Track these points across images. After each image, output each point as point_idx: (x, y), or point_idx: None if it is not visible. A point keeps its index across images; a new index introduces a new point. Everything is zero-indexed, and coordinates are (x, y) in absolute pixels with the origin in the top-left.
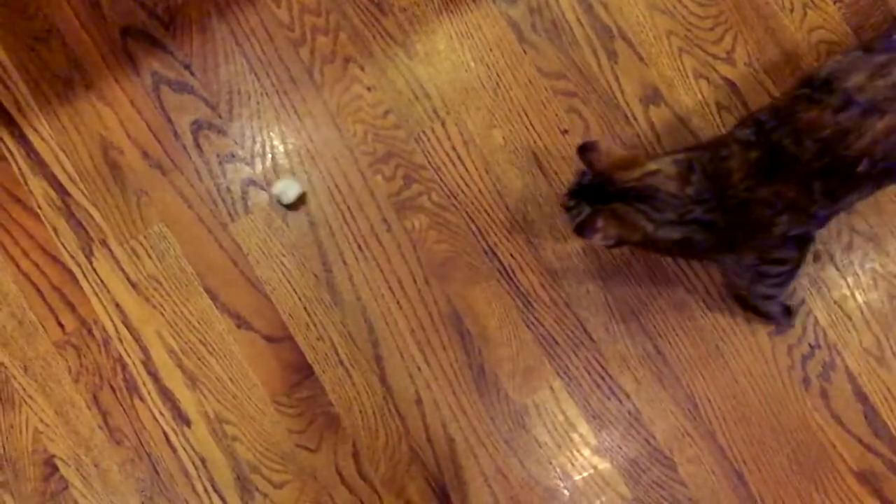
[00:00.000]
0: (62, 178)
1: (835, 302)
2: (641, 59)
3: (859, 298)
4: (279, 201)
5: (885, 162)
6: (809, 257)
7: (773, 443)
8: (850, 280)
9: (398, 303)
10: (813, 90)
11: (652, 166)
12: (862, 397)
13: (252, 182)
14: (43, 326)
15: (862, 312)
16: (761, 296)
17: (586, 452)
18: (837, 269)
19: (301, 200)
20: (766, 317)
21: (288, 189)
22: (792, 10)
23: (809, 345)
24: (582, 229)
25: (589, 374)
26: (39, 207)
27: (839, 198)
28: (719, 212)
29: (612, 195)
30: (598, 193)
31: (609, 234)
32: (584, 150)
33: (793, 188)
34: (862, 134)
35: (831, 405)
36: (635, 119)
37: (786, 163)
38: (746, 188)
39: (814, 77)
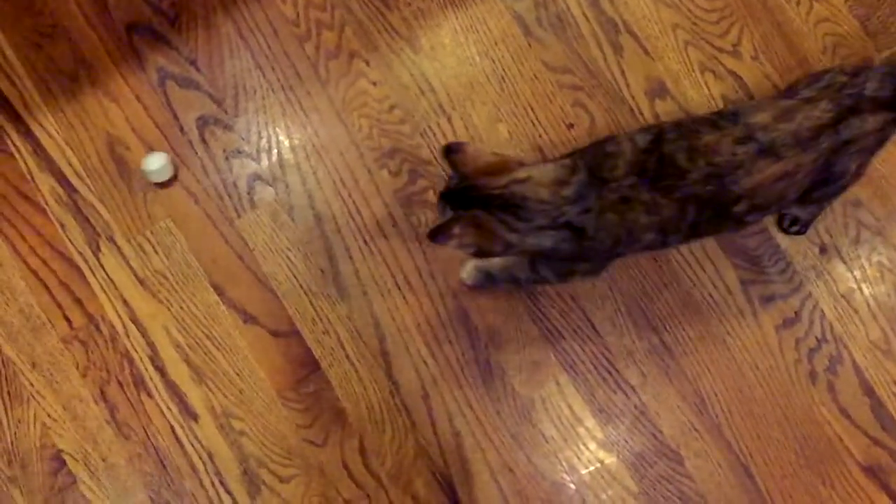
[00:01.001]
0: (69, 174)
1: (842, 295)
2: (647, 52)
3: (866, 292)
4: (150, 180)
5: (756, 212)
6: (815, 250)
7: (780, 436)
8: (857, 273)
9: (404, 298)
10: (720, 117)
11: (521, 174)
12: (869, 391)
13: (258, 177)
14: (50, 322)
15: (869, 306)
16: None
17: (592, 446)
18: (844, 263)
19: (171, 173)
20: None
21: (154, 164)
22: (798, 3)
23: (816, 338)
24: (435, 234)
25: (595, 368)
26: (46, 203)
27: (699, 233)
28: (594, 212)
29: (476, 201)
30: (464, 198)
31: (465, 242)
32: (449, 151)
33: (670, 205)
34: (751, 173)
35: (838, 399)
36: (641, 113)
37: (672, 176)
38: (630, 185)
39: (723, 110)
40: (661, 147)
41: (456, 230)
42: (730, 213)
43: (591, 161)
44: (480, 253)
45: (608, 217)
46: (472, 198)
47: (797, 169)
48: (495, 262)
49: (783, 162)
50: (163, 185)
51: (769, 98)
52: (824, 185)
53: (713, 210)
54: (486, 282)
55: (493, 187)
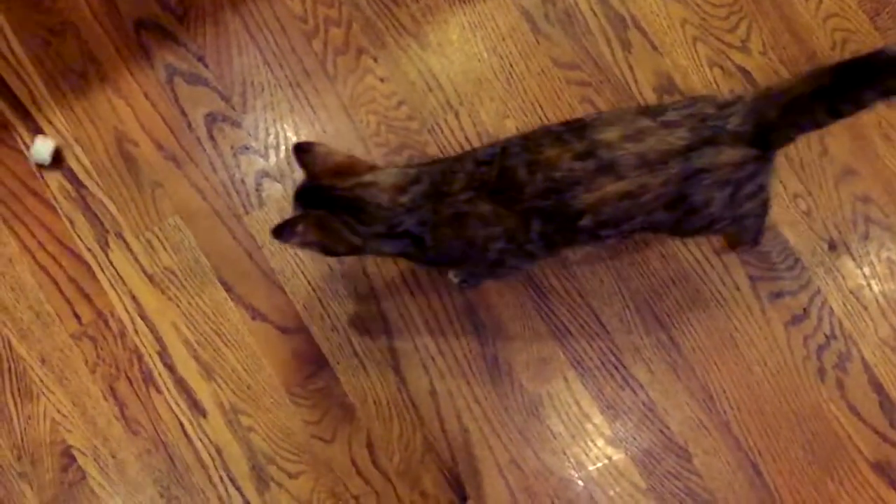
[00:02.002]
0: (78, 170)
1: (851, 292)
2: (655, 48)
3: (875, 288)
4: (37, 164)
5: (608, 228)
6: (824, 246)
7: (789, 433)
8: (866, 270)
9: (412, 293)
10: (569, 130)
11: (367, 178)
12: (878, 387)
13: (266, 174)
14: (59, 318)
15: (878, 302)
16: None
17: (600, 443)
18: (853, 259)
19: (57, 158)
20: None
21: (42, 149)
22: None
23: (825, 335)
24: (279, 232)
25: (603, 364)
26: (55, 200)
27: (555, 245)
28: (430, 226)
29: (323, 202)
30: (315, 198)
31: (308, 241)
32: (298, 150)
33: (512, 217)
34: (591, 189)
35: (847, 395)
36: None
37: (511, 188)
38: (467, 200)
39: (583, 119)
40: (503, 160)
41: (299, 228)
42: (577, 227)
43: (436, 173)
44: (326, 252)
45: (443, 231)
46: (319, 198)
47: (642, 190)
48: None
49: (625, 181)
50: (47, 166)
51: (631, 113)
52: (692, 215)
53: (559, 223)
54: (472, 279)
55: (339, 188)
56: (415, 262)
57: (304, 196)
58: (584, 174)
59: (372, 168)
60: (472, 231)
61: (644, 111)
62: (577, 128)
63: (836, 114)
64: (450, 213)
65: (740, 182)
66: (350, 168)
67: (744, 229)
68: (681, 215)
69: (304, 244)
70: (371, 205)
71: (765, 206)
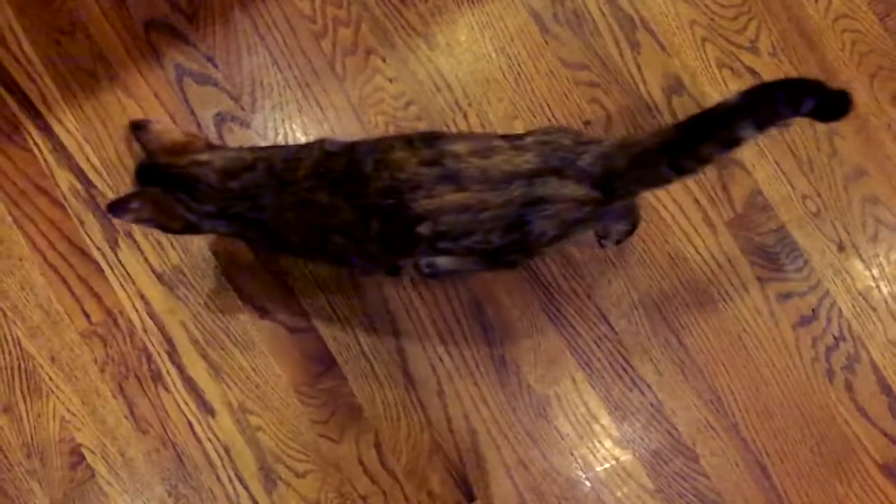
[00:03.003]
0: (87, 170)
1: (859, 293)
2: (664, 48)
3: (884, 290)
4: None
5: (445, 240)
6: (833, 248)
7: (797, 435)
8: (875, 271)
9: (420, 294)
10: (420, 138)
11: (203, 156)
12: (887, 389)
13: None
14: (69, 317)
15: (887, 304)
16: None
17: (608, 444)
18: (862, 261)
19: None
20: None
21: None
22: (817, 0)
23: (834, 336)
24: (113, 208)
25: (611, 365)
26: (65, 199)
27: (393, 251)
28: (271, 210)
29: (158, 179)
30: (152, 175)
31: (142, 217)
32: (135, 128)
33: (350, 211)
34: (431, 196)
35: (856, 397)
36: (657, 109)
37: (355, 181)
38: (308, 188)
39: (426, 133)
40: (352, 153)
41: (134, 205)
42: (414, 232)
43: (278, 161)
44: (164, 229)
45: (288, 216)
46: (156, 175)
47: (482, 206)
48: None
49: (466, 193)
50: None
51: (488, 136)
52: (520, 245)
53: (397, 226)
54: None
55: (175, 166)
56: (257, 247)
57: (143, 174)
58: (428, 180)
59: (210, 146)
60: (312, 217)
61: (504, 136)
62: (430, 137)
63: (679, 169)
64: (293, 199)
65: (576, 221)
66: (186, 146)
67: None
68: (512, 244)
69: (140, 220)
70: (203, 183)
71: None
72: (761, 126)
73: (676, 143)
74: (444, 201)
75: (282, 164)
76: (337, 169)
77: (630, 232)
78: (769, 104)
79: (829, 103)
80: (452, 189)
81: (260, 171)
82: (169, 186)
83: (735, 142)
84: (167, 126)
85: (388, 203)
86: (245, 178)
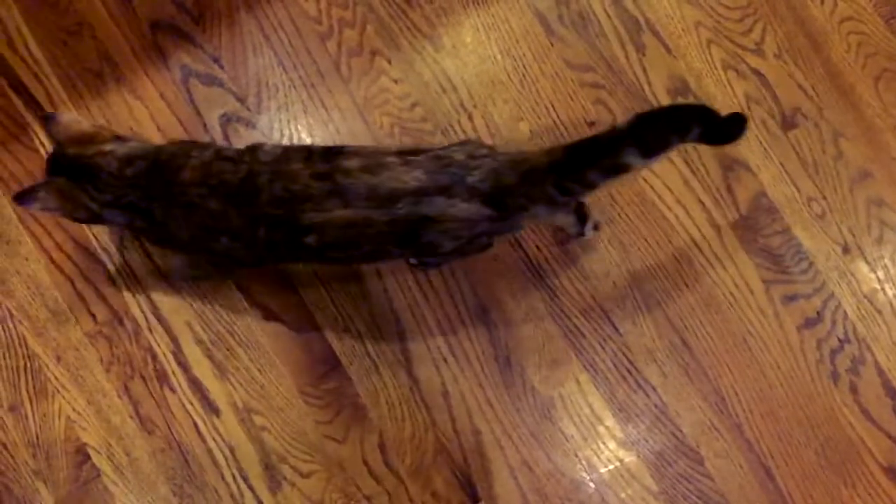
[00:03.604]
0: None
1: (864, 296)
2: (669, 50)
3: (889, 292)
4: None
5: (334, 250)
6: (838, 250)
7: (801, 437)
8: (880, 274)
9: (425, 295)
10: (321, 151)
11: (109, 146)
12: (891, 392)
13: None
14: (75, 317)
15: (892, 306)
16: None
17: (612, 445)
18: (867, 263)
19: None
20: None
21: None
22: (822, 2)
23: (838, 339)
24: (20, 197)
25: (615, 366)
26: None
27: (280, 257)
28: (160, 205)
29: (65, 169)
30: (60, 166)
31: (48, 206)
32: (45, 120)
33: (240, 217)
34: (319, 210)
35: (860, 400)
36: None
37: (248, 192)
38: (199, 194)
39: (344, 147)
40: (255, 164)
41: (40, 194)
42: (302, 242)
43: (167, 155)
44: (72, 218)
45: (176, 212)
46: (63, 166)
47: (367, 223)
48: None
49: (351, 210)
50: None
51: (383, 149)
52: (426, 251)
53: (285, 235)
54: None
55: (81, 156)
56: (147, 240)
57: (52, 165)
58: (317, 194)
59: (118, 137)
60: (200, 219)
61: (399, 153)
62: (332, 152)
63: (565, 191)
64: (183, 200)
65: (477, 234)
66: (93, 136)
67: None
68: (414, 251)
69: (46, 209)
70: (104, 172)
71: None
72: (647, 154)
73: (564, 165)
74: (332, 216)
75: (169, 158)
76: (234, 180)
77: (580, 232)
78: (655, 132)
79: (719, 129)
80: (339, 205)
81: (149, 161)
82: (74, 176)
83: (621, 168)
84: (77, 117)
85: (278, 213)
86: (137, 166)
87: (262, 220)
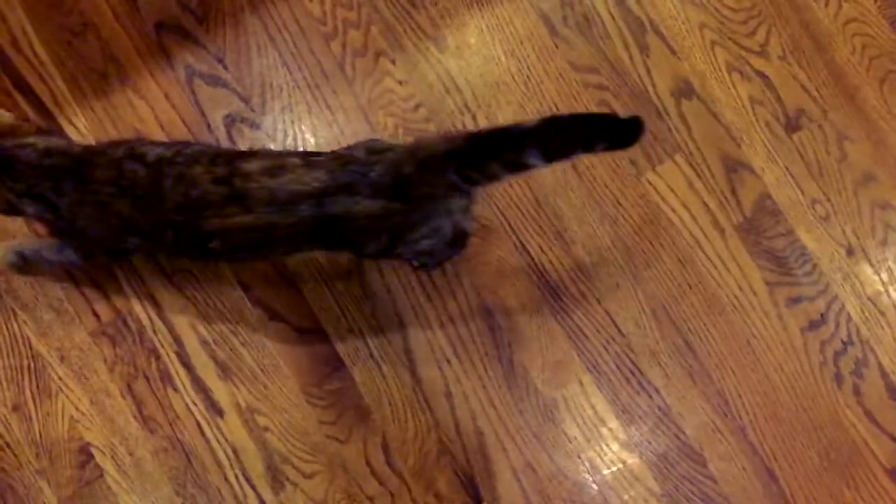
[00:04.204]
0: None
1: (868, 298)
2: (674, 52)
3: (893, 294)
4: None
5: (242, 252)
6: (842, 252)
7: (805, 439)
8: (884, 276)
9: (428, 296)
10: (225, 154)
11: (30, 139)
12: (895, 394)
13: None
14: (79, 317)
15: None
16: None
17: (615, 447)
18: (871, 266)
19: None
20: None
21: None
22: (827, 4)
23: (842, 341)
24: None
25: (619, 368)
26: None
27: (190, 258)
28: (70, 199)
29: None
30: None
31: None
32: None
33: (147, 219)
34: (220, 216)
35: (864, 402)
36: (667, 113)
37: (154, 195)
38: (110, 193)
39: (239, 152)
40: (160, 166)
41: None
42: (207, 247)
43: (85, 153)
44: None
45: (87, 210)
46: None
47: (271, 227)
48: (27, 243)
49: (252, 216)
50: None
51: (286, 151)
52: (358, 247)
53: (191, 240)
54: (22, 262)
55: (1, 148)
56: (52, 232)
57: None
58: (217, 199)
59: (41, 131)
60: (109, 221)
61: (301, 154)
62: (233, 155)
63: (468, 180)
64: (94, 199)
65: (395, 229)
66: (15, 129)
67: (433, 256)
68: (343, 246)
69: None
70: (22, 163)
71: (447, 242)
72: (549, 158)
73: (465, 154)
74: (233, 222)
75: (87, 155)
76: (142, 181)
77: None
78: (562, 139)
79: (620, 139)
80: (240, 211)
81: (67, 156)
82: None
83: (522, 167)
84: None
85: (182, 219)
86: (55, 159)
87: (168, 224)
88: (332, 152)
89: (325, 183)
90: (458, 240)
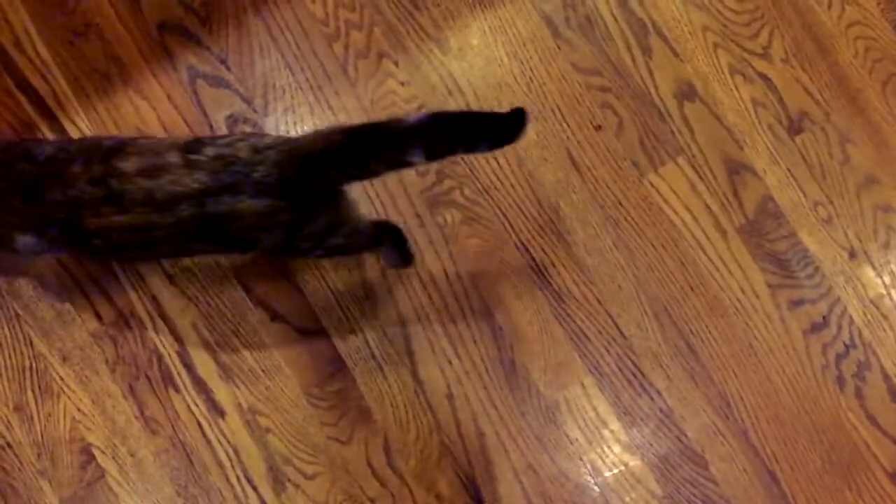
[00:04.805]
0: None
1: (870, 301)
2: (676, 54)
3: (895, 298)
4: None
5: (126, 251)
6: (844, 255)
7: (807, 442)
8: (886, 279)
9: (430, 297)
10: (103, 153)
11: None
12: None
13: None
14: (81, 317)
15: None
16: None
17: (617, 449)
18: (873, 268)
19: None
20: None
21: None
22: (830, 6)
23: (844, 344)
24: None
25: (620, 370)
26: None
27: (84, 256)
28: None
29: None
30: None
31: None
32: None
33: (32, 215)
34: (98, 215)
35: (866, 405)
36: (669, 115)
37: (35, 192)
38: (3, 188)
39: (132, 140)
40: (45, 164)
41: None
42: (90, 244)
43: None
44: None
45: None
46: None
47: (150, 226)
48: None
49: (129, 216)
50: None
51: (167, 145)
52: (254, 245)
53: (74, 238)
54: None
55: None
56: None
57: None
58: (92, 199)
59: None
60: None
61: (184, 146)
62: (111, 151)
63: (349, 175)
64: None
65: (288, 225)
66: None
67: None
68: (237, 245)
69: None
70: None
71: (357, 239)
72: (431, 157)
73: (344, 151)
74: (111, 221)
75: None
76: (31, 177)
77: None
78: (445, 139)
79: (502, 137)
80: (116, 211)
81: None
82: None
83: (404, 164)
84: None
85: (62, 217)
86: None
87: (53, 221)
88: (220, 148)
89: (205, 184)
90: (369, 236)
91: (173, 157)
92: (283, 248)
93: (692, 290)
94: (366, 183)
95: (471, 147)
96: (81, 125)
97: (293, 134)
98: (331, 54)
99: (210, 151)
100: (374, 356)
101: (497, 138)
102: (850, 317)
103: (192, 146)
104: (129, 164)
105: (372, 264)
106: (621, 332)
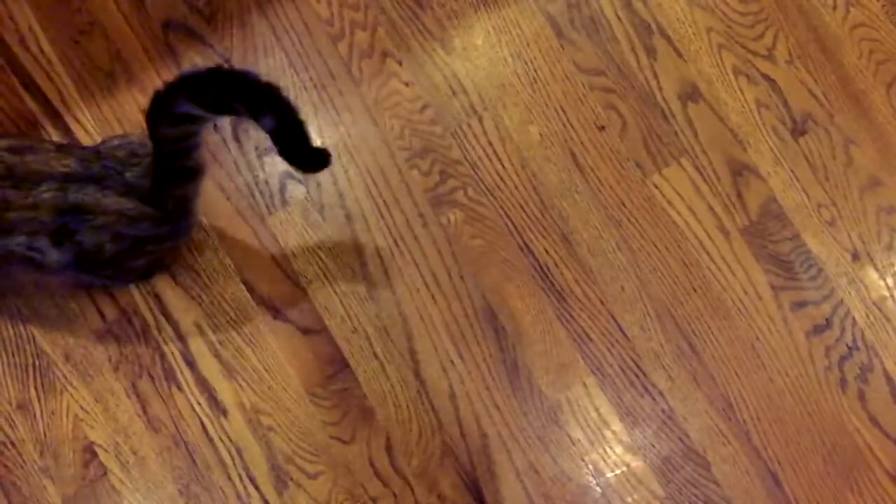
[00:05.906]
0: None
1: (874, 303)
2: (680, 55)
3: None
4: None
5: None
6: (848, 257)
7: (809, 444)
8: (889, 281)
9: (433, 297)
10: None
11: None
12: None
13: (289, 175)
14: (84, 315)
15: None
16: None
17: (619, 450)
18: (877, 270)
19: None
20: None
21: None
22: (835, 8)
23: (847, 346)
24: None
25: (623, 371)
26: None
27: None
28: None
29: None
30: None
31: None
32: None
33: None
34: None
35: (868, 407)
36: (673, 116)
37: None
38: None
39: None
40: None
41: None
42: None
43: None
44: None
45: None
46: None
47: (4, 204)
48: None
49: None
50: None
51: (41, 139)
52: (86, 258)
53: None
54: None
55: None
56: None
57: None
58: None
59: None
60: None
61: (57, 144)
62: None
63: (202, 104)
64: None
65: (141, 238)
66: None
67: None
68: (71, 257)
69: None
70: None
71: (155, 260)
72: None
73: (191, 80)
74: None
75: None
76: None
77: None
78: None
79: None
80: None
81: None
82: None
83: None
84: None
85: None
86: None
87: None
88: (93, 147)
89: (73, 169)
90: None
91: (47, 144)
92: (114, 264)
93: (695, 291)
94: (369, 182)
95: (255, 115)
96: (86, 124)
97: None
98: (335, 54)
99: (88, 149)
100: (376, 356)
101: (291, 148)
102: (853, 319)
103: (71, 145)
104: (2, 143)
105: (375, 264)
106: (624, 333)
